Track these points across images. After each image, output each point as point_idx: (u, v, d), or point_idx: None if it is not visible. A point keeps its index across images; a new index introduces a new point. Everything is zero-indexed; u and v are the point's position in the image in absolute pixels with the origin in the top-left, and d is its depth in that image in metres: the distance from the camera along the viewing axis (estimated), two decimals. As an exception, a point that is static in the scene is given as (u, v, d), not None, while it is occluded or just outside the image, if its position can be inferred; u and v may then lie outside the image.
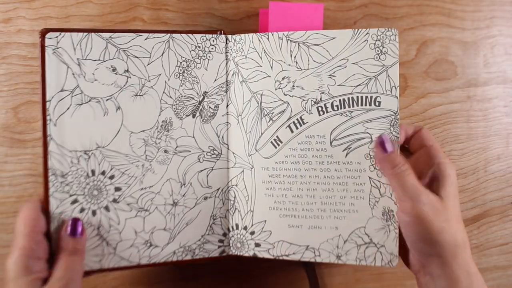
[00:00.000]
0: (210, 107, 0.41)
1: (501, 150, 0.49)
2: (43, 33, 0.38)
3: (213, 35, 0.41)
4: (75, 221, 0.36)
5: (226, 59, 0.41)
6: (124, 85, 0.39)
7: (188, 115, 0.41)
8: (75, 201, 0.39)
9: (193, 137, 0.41)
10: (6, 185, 0.44)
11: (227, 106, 0.41)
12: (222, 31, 0.41)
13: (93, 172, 0.39)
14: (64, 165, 0.38)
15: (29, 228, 0.34)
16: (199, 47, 0.41)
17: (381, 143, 0.36)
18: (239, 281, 0.45)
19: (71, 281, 0.33)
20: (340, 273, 0.46)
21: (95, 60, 0.39)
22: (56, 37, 0.38)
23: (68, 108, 0.38)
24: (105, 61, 0.39)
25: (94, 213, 0.39)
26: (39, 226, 0.35)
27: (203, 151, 0.41)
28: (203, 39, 0.41)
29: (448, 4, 0.48)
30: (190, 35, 0.40)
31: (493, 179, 0.49)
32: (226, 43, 0.41)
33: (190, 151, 0.41)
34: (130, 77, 0.39)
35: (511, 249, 0.49)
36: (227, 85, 0.41)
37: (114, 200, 0.39)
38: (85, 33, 0.38)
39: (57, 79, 0.38)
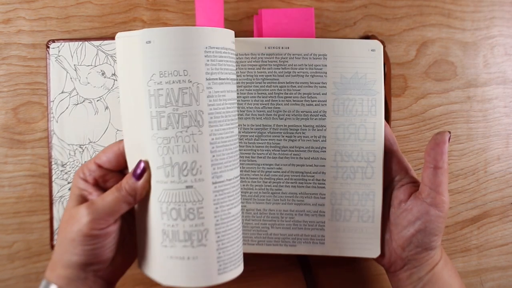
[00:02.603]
0: None
1: (501, 151, 0.49)
2: (48, 44, 0.43)
3: None
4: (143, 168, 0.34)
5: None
6: (111, 87, 0.43)
7: None
8: None
9: None
10: (6, 185, 0.44)
11: None
12: None
13: None
14: (64, 156, 0.43)
15: (103, 154, 0.35)
16: None
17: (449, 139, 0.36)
18: (239, 282, 0.45)
19: (106, 209, 0.32)
20: (338, 274, 0.46)
21: (88, 66, 0.43)
22: (58, 46, 0.43)
23: (67, 108, 0.43)
24: (96, 66, 0.43)
25: None
26: (110, 161, 0.35)
27: None
28: None
29: (448, 4, 0.48)
30: None
31: (493, 179, 0.49)
32: None
33: None
34: (116, 80, 0.43)
35: (511, 249, 0.49)
36: None
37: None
38: (80, 42, 0.43)
39: (58, 82, 0.43)
